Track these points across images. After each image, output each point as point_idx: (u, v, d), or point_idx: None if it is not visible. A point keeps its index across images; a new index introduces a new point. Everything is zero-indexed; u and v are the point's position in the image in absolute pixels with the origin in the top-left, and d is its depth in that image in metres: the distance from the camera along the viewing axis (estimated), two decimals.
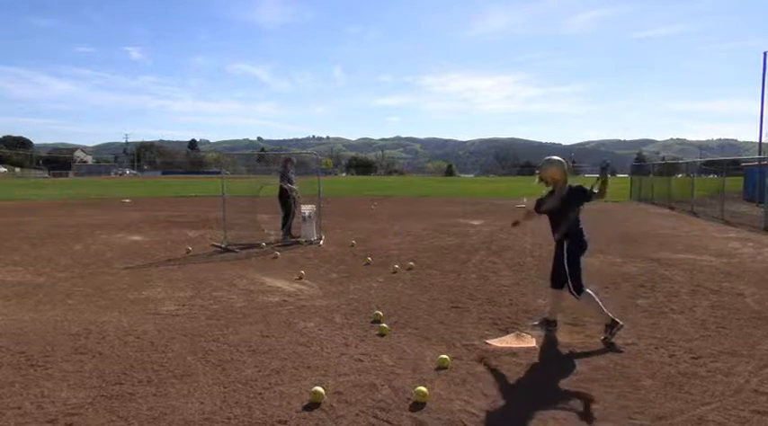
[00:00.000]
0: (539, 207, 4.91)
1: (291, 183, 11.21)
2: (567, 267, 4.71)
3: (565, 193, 4.72)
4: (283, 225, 11.29)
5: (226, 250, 9.89)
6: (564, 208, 4.70)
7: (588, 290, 4.78)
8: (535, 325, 5.07)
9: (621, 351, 4.42)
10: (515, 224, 5.30)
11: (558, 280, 4.92)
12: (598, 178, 4.66)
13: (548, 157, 4.90)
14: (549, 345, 4.61)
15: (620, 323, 4.68)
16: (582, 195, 4.70)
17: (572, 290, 4.73)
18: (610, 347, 4.53)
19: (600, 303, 4.75)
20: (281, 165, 11.69)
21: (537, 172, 4.92)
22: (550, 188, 4.84)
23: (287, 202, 11.24)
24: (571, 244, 4.71)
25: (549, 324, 5.02)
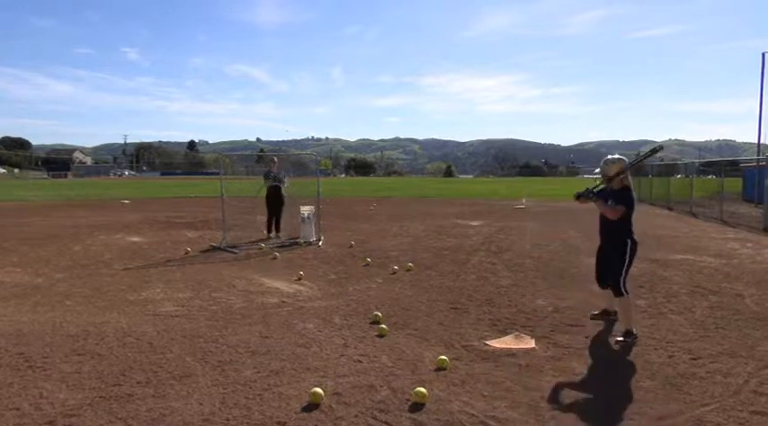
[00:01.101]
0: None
1: (281, 183, 11.31)
2: (626, 264, 4.77)
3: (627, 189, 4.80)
4: (277, 225, 11.42)
5: (225, 251, 9.88)
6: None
7: (630, 296, 4.84)
8: (595, 315, 5.25)
9: (619, 352, 4.43)
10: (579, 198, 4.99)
11: (605, 280, 5.03)
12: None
13: (609, 156, 4.98)
14: (547, 346, 4.61)
15: (638, 338, 4.72)
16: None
17: (622, 287, 4.75)
18: (600, 348, 4.56)
19: (632, 310, 4.86)
20: (267, 167, 11.81)
21: (597, 174, 4.98)
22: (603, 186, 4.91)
23: (270, 203, 11.37)
24: (633, 242, 4.81)
25: (609, 315, 5.21)
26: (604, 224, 4.92)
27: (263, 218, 12.16)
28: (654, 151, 5.34)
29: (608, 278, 4.95)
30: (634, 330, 4.73)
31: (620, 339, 4.66)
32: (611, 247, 4.87)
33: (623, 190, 4.80)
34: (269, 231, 11.46)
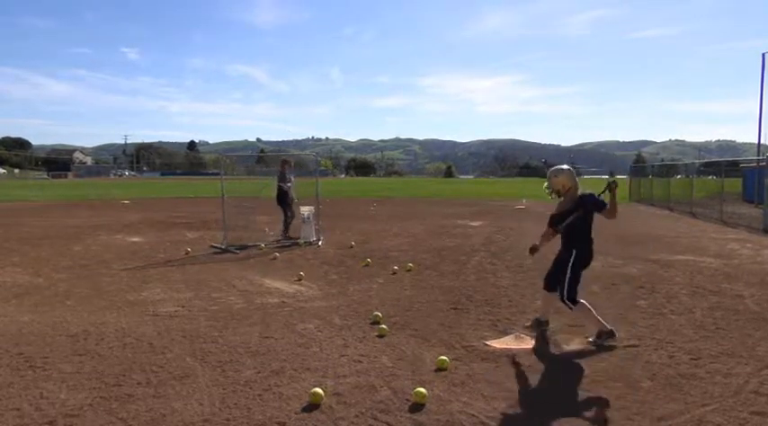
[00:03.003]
0: (557, 223, 4.67)
1: (289, 184, 11.34)
2: (567, 276, 4.62)
3: (577, 201, 4.61)
4: (285, 226, 11.44)
5: (225, 251, 9.88)
6: (584, 217, 4.62)
7: (582, 301, 4.69)
8: (527, 326, 5.06)
9: (619, 353, 4.43)
10: (534, 250, 4.80)
11: (552, 283, 4.88)
12: (604, 190, 4.60)
13: (555, 167, 4.84)
14: (548, 347, 4.61)
15: (616, 334, 4.60)
16: (595, 203, 4.59)
17: (565, 300, 4.65)
18: (600, 348, 4.51)
19: (594, 312, 4.67)
20: (278, 167, 11.80)
21: (546, 186, 4.85)
22: (561, 198, 4.76)
23: (285, 203, 11.39)
24: (580, 254, 4.63)
25: (541, 325, 5.01)
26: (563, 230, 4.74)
27: (263, 218, 12.16)
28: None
29: (556, 284, 4.79)
30: (607, 328, 4.58)
31: (591, 339, 4.61)
32: (562, 253, 4.73)
33: (568, 202, 4.66)
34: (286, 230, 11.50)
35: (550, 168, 4.94)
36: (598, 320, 4.64)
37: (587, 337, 4.69)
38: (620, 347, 4.53)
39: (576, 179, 4.75)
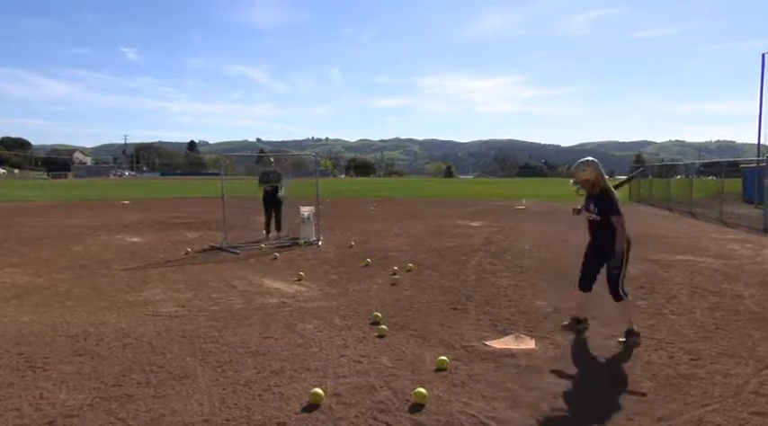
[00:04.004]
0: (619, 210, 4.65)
1: (275, 183, 11.31)
2: (624, 268, 4.65)
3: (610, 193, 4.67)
4: (278, 225, 11.42)
5: (225, 251, 9.88)
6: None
7: (629, 296, 4.75)
8: (565, 325, 5.06)
9: (619, 353, 4.43)
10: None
11: (588, 284, 4.91)
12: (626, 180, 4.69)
13: (579, 160, 4.84)
14: (547, 347, 4.61)
15: (639, 335, 4.66)
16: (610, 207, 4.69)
17: (621, 291, 4.64)
18: (600, 348, 4.52)
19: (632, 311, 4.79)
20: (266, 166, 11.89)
21: (572, 183, 4.84)
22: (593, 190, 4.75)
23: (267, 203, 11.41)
24: (629, 243, 4.70)
25: (579, 323, 5.02)
26: (596, 226, 4.78)
27: (263, 219, 12.16)
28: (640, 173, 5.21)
29: (592, 281, 4.84)
30: (635, 328, 4.67)
31: (623, 339, 4.63)
32: (607, 250, 4.69)
33: (603, 193, 4.67)
34: (267, 232, 11.49)
35: (573, 164, 4.91)
36: (632, 319, 4.72)
37: (617, 337, 4.69)
38: (620, 347, 4.54)
39: (602, 170, 4.75)
